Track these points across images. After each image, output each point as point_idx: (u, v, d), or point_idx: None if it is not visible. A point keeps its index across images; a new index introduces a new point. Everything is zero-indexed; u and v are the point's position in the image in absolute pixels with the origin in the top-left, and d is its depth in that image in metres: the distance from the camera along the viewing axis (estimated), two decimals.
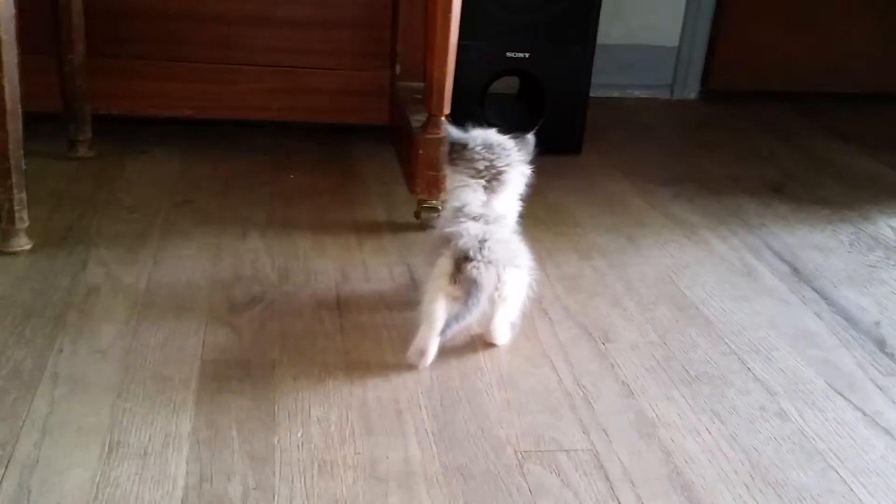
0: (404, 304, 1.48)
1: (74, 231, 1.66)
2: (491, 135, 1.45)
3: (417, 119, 1.79)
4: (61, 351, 1.28)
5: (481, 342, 1.39)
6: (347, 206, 1.89)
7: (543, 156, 2.24)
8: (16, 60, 1.45)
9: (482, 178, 1.40)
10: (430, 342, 1.28)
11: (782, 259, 1.76)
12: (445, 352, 1.35)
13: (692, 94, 3.00)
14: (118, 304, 1.42)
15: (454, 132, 1.45)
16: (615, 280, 1.63)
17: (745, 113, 2.83)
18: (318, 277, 1.56)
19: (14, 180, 1.50)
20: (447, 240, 1.29)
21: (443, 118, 1.71)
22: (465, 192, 1.41)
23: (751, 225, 1.93)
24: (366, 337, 1.38)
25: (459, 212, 1.36)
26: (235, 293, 1.48)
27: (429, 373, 1.30)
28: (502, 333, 1.38)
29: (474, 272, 1.23)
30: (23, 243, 1.56)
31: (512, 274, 1.28)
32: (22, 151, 1.50)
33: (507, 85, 2.37)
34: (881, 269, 1.75)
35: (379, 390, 1.25)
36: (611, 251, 1.75)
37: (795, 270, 1.72)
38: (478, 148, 1.41)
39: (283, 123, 2.25)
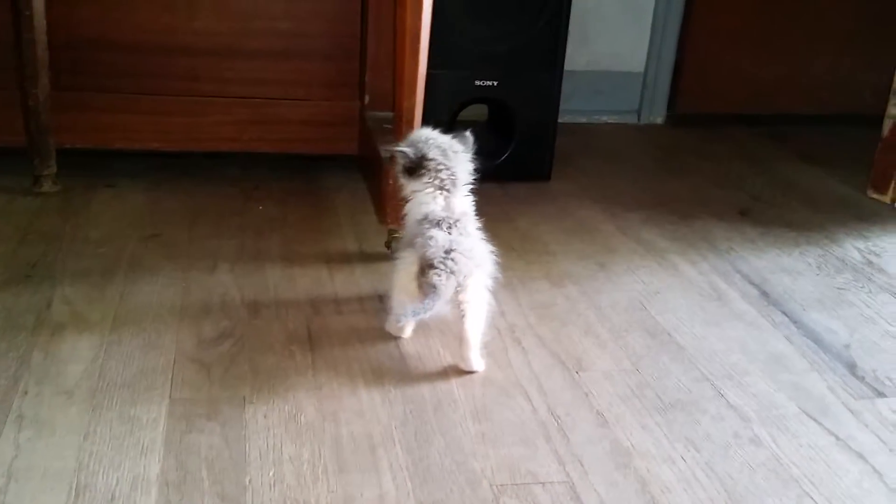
0: (377, 337, 1.47)
1: (39, 268, 1.63)
2: (438, 138, 1.48)
3: (387, 149, 1.79)
4: (26, 392, 1.25)
5: (454, 372, 1.38)
6: (318, 237, 1.87)
7: (513, 183, 2.27)
8: None
9: (443, 185, 1.44)
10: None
11: (751, 283, 1.78)
12: (419, 383, 1.34)
13: (659, 119, 3.03)
14: (84, 342, 1.39)
15: (408, 147, 1.46)
16: (587, 307, 1.63)
17: (712, 137, 2.86)
18: (289, 311, 1.54)
19: None
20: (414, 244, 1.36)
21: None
22: (425, 200, 1.44)
23: (719, 249, 1.94)
24: (338, 372, 1.37)
25: (425, 220, 1.40)
26: (204, 329, 1.46)
27: (402, 406, 1.28)
28: (476, 360, 1.38)
29: (435, 279, 1.30)
30: None
31: (474, 281, 1.35)
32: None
33: (476, 112, 2.38)
34: (849, 292, 1.76)
35: (352, 426, 1.23)
36: (583, 278, 1.75)
37: (765, 294, 1.73)
38: (438, 157, 1.44)
39: (251, 155, 2.23)
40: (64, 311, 1.48)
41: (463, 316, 1.36)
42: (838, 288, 1.78)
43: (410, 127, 1.67)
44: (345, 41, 2.11)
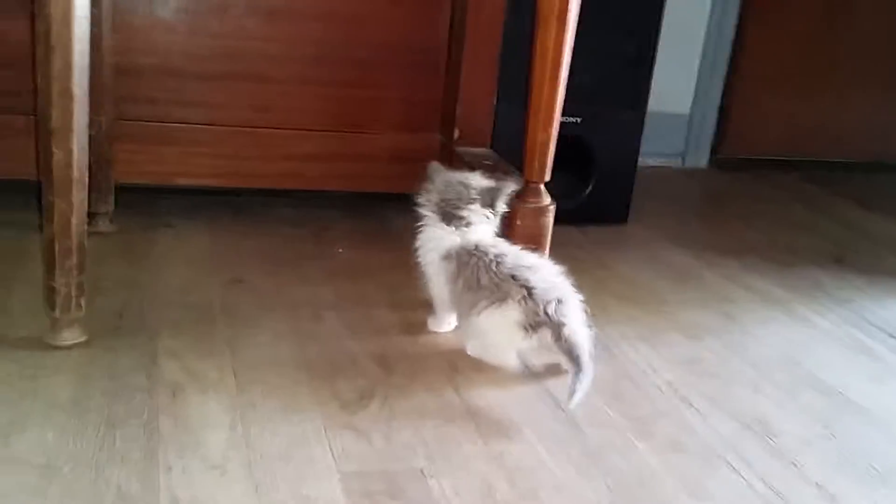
0: (533, 398, 1.31)
1: (126, 318, 1.43)
2: (461, 174, 1.45)
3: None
4: (170, 468, 1.05)
5: (636, 437, 1.22)
6: (415, 283, 1.69)
7: (590, 226, 2.14)
8: (87, 119, 1.24)
9: (436, 212, 1.42)
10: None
11: (890, 335, 1.66)
12: (604, 451, 1.18)
13: (703, 163, 2.94)
14: (213, 405, 1.20)
15: (435, 167, 1.47)
16: (740, 363, 1.49)
17: (760, 182, 2.78)
18: (425, 367, 1.37)
19: (76, 260, 1.28)
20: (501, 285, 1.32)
21: (541, 185, 1.57)
22: (432, 230, 1.43)
23: (838, 299, 1.83)
24: (510, 438, 1.20)
25: (452, 255, 1.38)
26: (340, 388, 1.28)
27: (601, 479, 1.12)
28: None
29: (574, 336, 1.29)
30: (77, 335, 1.32)
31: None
32: (86, 226, 1.28)
33: None
34: None
35: (556, 503, 1.06)
36: (715, 330, 1.62)
37: None
38: (436, 181, 1.43)
39: (305, 193, 2.05)
40: (176, 368, 1.28)
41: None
42: None
43: (544, 164, 1.53)
44: (424, 71, 1.97)
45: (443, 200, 1.41)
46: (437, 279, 1.42)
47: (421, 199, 1.44)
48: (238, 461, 1.08)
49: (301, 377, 1.30)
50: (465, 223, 1.40)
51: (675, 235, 2.16)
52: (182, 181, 1.90)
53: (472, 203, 1.40)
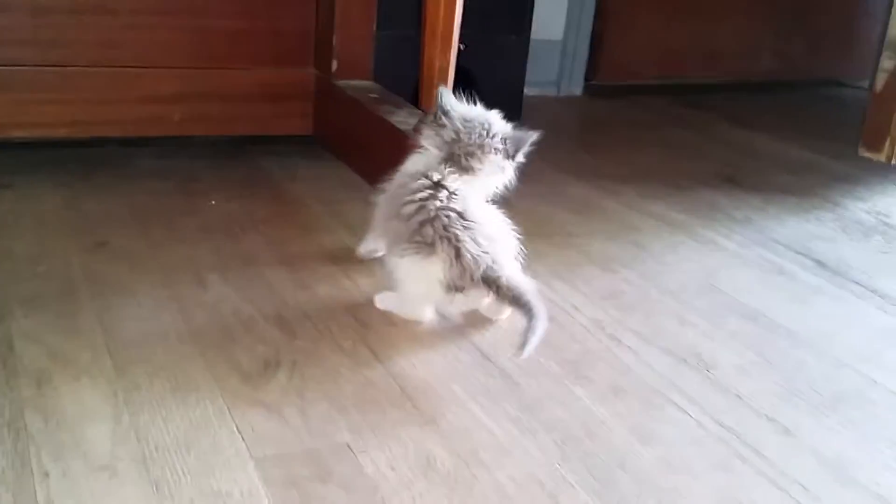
0: (458, 351, 1.19)
1: None
2: (482, 113, 1.26)
3: (399, 120, 1.49)
4: (46, 475, 0.87)
5: (575, 383, 1.12)
6: (305, 235, 1.54)
7: None
8: None
9: (444, 150, 1.23)
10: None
11: (797, 252, 1.64)
12: (545, 405, 1.08)
13: (577, 90, 2.87)
14: (89, 393, 1.01)
15: (448, 95, 1.25)
16: (659, 294, 1.42)
17: (640, 107, 2.75)
18: (330, 326, 1.22)
19: None
20: (422, 232, 1.16)
21: None
22: (418, 158, 1.25)
23: (738, 219, 1.79)
24: (441, 399, 1.07)
25: (415, 178, 1.20)
26: (239, 359, 1.12)
27: (546, 436, 1.01)
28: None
29: (514, 285, 1.15)
30: None
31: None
32: None
33: None
34: (894, 255, 1.66)
35: (506, 468, 0.95)
36: (628, 261, 1.54)
37: (821, 264, 1.59)
38: (454, 116, 1.23)
39: (167, 140, 1.84)
40: (38, 353, 1.09)
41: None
42: (881, 252, 1.68)
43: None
44: None
45: (456, 141, 1.22)
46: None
47: (424, 127, 1.24)
48: (129, 458, 0.91)
49: (191, 351, 1.13)
50: (473, 173, 1.22)
51: (567, 166, 2.07)
52: (19, 134, 1.67)
53: (493, 153, 1.22)
